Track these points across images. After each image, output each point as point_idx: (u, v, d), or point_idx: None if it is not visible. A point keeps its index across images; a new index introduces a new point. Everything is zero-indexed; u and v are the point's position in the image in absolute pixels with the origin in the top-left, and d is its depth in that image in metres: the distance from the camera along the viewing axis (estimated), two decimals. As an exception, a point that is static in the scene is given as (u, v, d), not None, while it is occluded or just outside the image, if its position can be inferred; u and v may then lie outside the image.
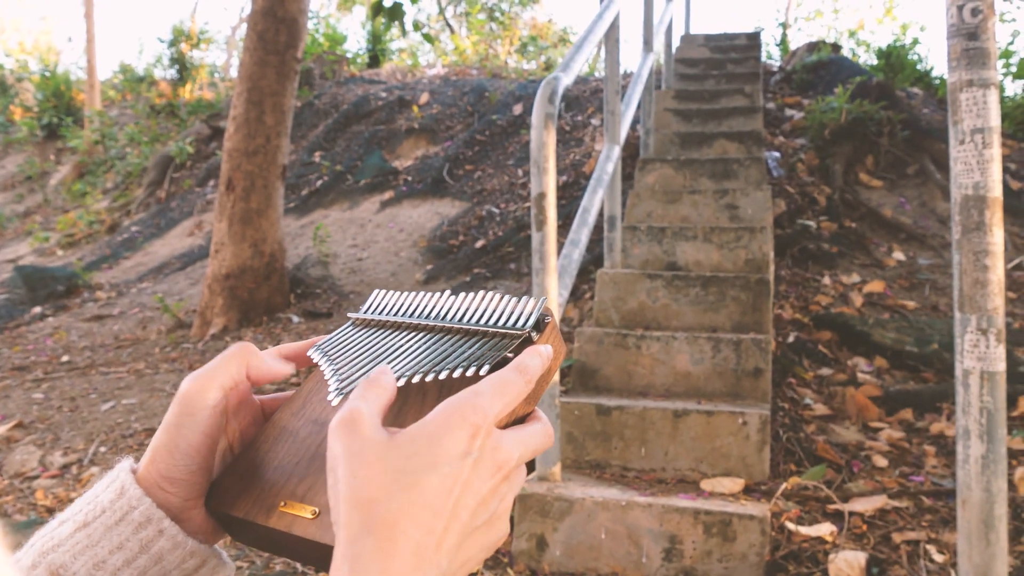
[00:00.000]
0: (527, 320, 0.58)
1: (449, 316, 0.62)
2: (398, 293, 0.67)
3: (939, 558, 2.57)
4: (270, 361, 0.59)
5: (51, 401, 4.71)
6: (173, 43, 14.26)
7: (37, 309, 7.34)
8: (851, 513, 2.80)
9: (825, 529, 2.69)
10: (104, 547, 0.52)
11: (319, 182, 8.87)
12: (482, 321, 0.60)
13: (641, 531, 2.67)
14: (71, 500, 3.36)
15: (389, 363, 0.59)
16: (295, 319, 6.01)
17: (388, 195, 8.19)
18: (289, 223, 8.12)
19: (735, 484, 2.91)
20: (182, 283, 7.50)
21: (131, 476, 0.54)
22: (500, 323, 0.59)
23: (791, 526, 2.72)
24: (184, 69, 14.19)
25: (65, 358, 5.70)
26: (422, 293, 0.66)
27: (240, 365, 0.57)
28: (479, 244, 6.48)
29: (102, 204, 11.12)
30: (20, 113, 14.83)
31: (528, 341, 0.58)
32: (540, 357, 0.55)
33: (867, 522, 2.77)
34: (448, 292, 0.64)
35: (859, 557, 2.53)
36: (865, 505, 2.83)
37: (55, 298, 7.62)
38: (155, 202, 10.53)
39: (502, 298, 0.61)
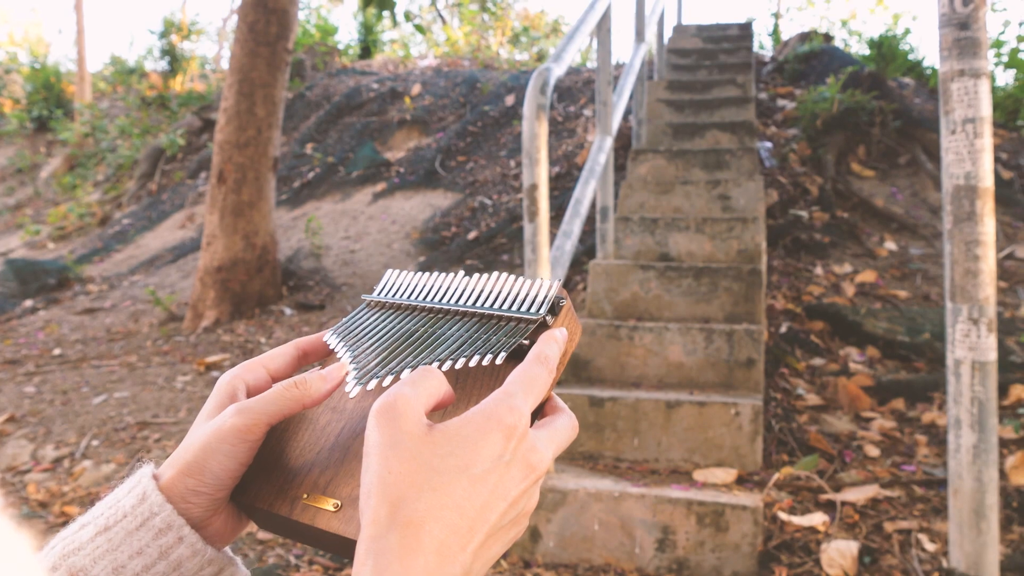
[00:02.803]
0: (542, 304, 0.58)
1: (464, 299, 0.62)
2: (411, 273, 0.67)
3: (931, 547, 2.58)
4: (324, 386, 0.58)
5: (43, 394, 4.70)
6: (164, 35, 14.19)
7: (28, 302, 7.31)
8: (843, 503, 2.81)
9: (817, 519, 2.69)
10: (124, 552, 0.52)
11: (311, 174, 8.85)
12: (496, 305, 0.60)
13: (634, 522, 2.67)
14: (63, 494, 3.36)
15: (406, 350, 0.59)
16: (287, 311, 5.99)
17: (380, 187, 8.17)
18: (281, 215, 8.10)
19: (728, 474, 2.92)
20: (174, 276, 7.48)
21: (152, 482, 0.54)
22: (515, 307, 0.59)
23: (784, 516, 2.72)
24: (175, 61, 14.11)
25: (57, 351, 5.68)
26: (436, 273, 0.65)
27: (295, 404, 0.56)
28: (472, 235, 6.47)
29: (93, 197, 11.07)
30: (10, 105, 14.75)
31: (544, 326, 0.58)
32: (557, 343, 0.55)
33: (859, 512, 2.78)
34: (462, 273, 0.64)
35: (851, 547, 2.54)
36: (857, 495, 2.84)
37: (46, 291, 7.59)
38: (146, 194, 10.49)
39: (516, 280, 0.61)
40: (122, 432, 4.00)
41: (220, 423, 0.54)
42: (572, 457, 3.17)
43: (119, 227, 9.63)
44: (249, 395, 0.59)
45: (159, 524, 0.53)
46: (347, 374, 0.60)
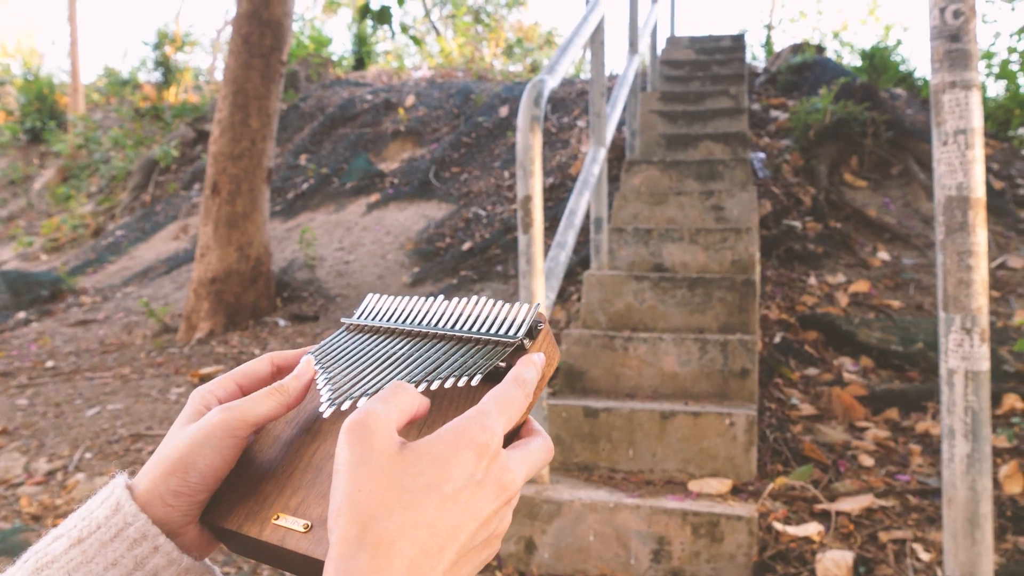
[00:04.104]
0: (520, 327, 0.58)
1: (442, 322, 0.62)
2: (391, 298, 0.67)
3: (925, 557, 2.58)
4: (299, 384, 0.59)
5: (36, 407, 4.68)
6: (157, 46, 14.20)
7: (21, 314, 7.29)
8: (838, 513, 2.82)
9: (812, 529, 2.70)
10: (99, 564, 0.51)
11: (305, 185, 8.85)
12: (475, 328, 0.60)
13: (629, 533, 2.67)
14: (56, 507, 3.34)
15: (382, 372, 0.58)
16: (281, 323, 5.99)
17: (374, 198, 8.18)
18: (275, 226, 8.09)
19: (723, 485, 2.92)
20: (168, 287, 7.46)
21: (126, 492, 0.53)
22: (493, 330, 0.59)
23: (778, 526, 2.72)
24: (169, 72, 14.13)
25: (50, 363, 5.66)
26: (415, 298, 0.65)
27: (278, 408, 0.57)
28: (466, 246, 6.48)
29: (86, 208, 11.06)
30: (3, 117, 14.74)
31: (521, 349, 0.57)
32: (535, 366, 0.55)
33: (854, 521, 2.78)
34: (441, 296, 0.64)
35: (846, 556, 2.54)
36: (852, 504, 2.85)
37: (39, 303, 7.57)
38: (140, 206, 10.48)
39: (495, 304, 0.61)
40: (115, 444, 3.99)
41: (207, 420, 0.55)
42: (567, 468, 3.17)
43: (112, 239, 9.61)
44: None
45: (133, 534, 0.52)
46: (317, 373, 0.60)
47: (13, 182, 12.67)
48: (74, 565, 0.51)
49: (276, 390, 0.58)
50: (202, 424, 0.55)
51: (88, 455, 3.89)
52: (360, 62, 13.47)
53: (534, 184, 2.85)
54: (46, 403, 4.74)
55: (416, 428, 0.55)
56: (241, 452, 0.56)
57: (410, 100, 9.99)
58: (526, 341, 0.58)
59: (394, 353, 0.61)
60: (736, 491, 2.93)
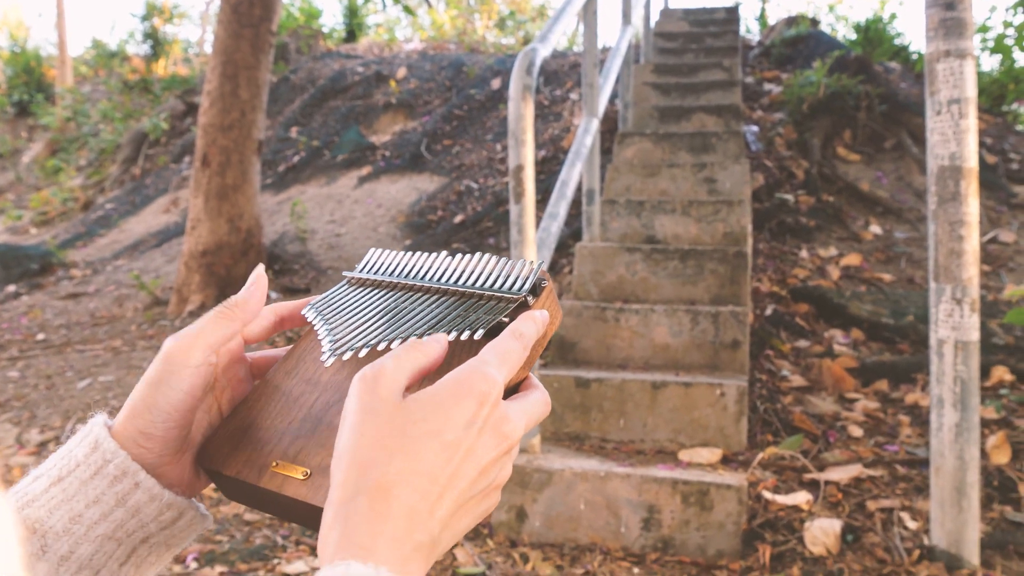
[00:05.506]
0: (523, 284, 0.58)
1: (445, 277, 0.62)
2: (394, 252, 0.66)
3: (913, 525, 2.61)
4: (252, 298, 0.59)
5: (27, 379, 4.67)
6: (146, 18, 14.05)
7: (11, 288, 7.25)
8: (827, 482, 2.84)
9: (801, 498, 2.72)
10: (80, 501, 0.51)
11: (296, 158, 8.80)
12: (478, 284, 0.60)
13: (620, 501, 2.69)
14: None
15: (383, 324, 0.58)
16: (273, 295, 5.97)
17: (366, 170, 8.14)
18: (266, 199, 8.05)
19: (713, 454, 2.94)
20: (158, 260, 7.43)
21: (105, 430, 0.53)
22: (497, 286, 0.59)
23: (768, 495, 2.74)
24: (157, 44, 13.99)
25: (40, 336, 5.64)
26: (418, 253, 0.65)
27: (230, 325, 0.57)
28: (458, 219, 6.46)
29: (76, 181, 10.98)
30: (-10, 89, 14.58)
31: (524, 306, 0.57)
32: (535, 323, 0.55)
33: (842, 491, 2.80)
34: (445, 252, 0.64)
35: (834, 525, 2.56)
36: (840, 474, 2.87)
37: (29, 276, 7.53)
38: (129, 179, 10.41)
39: (499, 260, 0.61)
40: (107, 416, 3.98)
41: (157, 356, 0.54)
42: (558, 438, 3.19)
43: (102, 212, 9.56)
44: (220, 355, 0.59)
45: (113, 471, 0.52)
46: (318, 324, 0.61)
47: (1, 156, 12.56)
48: (55, 503, 0.51)
49: (225, 307, 0.57)
50: (154, 362, 0.54)
51: (80, 426, 3.88)
52: (351, 34, 13.35)
53: (526, 154, 2.84)
54: (37, 375, 4.73)
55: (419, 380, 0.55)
56: (206, 379, 0.56)
57: (401, 72, 9.91)
58: (529, 298, 0.57)
59: (396, 307, 0.61)
60: (726, 460, 2.95)
